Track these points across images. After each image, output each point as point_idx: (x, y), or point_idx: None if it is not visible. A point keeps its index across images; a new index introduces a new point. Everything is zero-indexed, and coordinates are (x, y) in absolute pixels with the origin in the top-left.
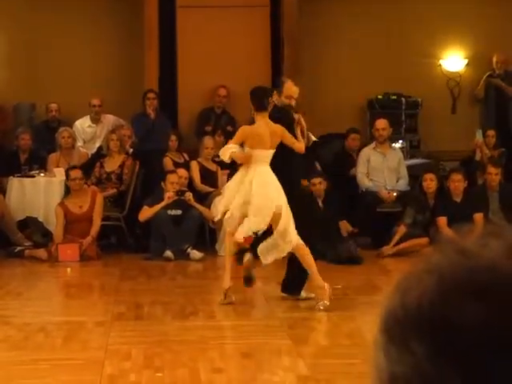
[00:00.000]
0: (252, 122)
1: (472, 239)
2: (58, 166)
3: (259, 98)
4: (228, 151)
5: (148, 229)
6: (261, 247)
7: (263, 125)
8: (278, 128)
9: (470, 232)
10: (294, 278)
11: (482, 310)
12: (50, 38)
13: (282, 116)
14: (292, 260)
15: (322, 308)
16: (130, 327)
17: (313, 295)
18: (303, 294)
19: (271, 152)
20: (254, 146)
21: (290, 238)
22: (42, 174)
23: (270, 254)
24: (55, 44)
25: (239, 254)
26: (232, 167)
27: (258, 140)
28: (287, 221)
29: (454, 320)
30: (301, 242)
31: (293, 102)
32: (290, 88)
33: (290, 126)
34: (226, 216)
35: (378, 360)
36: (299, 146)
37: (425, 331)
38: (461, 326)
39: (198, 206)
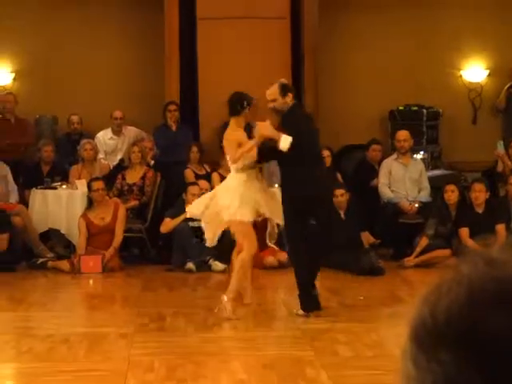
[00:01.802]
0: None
1: (499, 249)
2: (79, 178)
3: (230, 104)
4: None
5: (170, 240)
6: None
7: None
8: (227, 135)
9: (493, 243)
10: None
11: (511, 320)
12: (71, 51)
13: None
14: None
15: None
16: (152, 338)
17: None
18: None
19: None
20: None
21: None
22: (64, 186)
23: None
24: (76, 57)
25: None
26: None
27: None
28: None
29: (483, 330)
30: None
31: (270, 105)
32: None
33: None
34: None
35: (406, 369)
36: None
37: (454, 341)
38: (489, 336)
39: None
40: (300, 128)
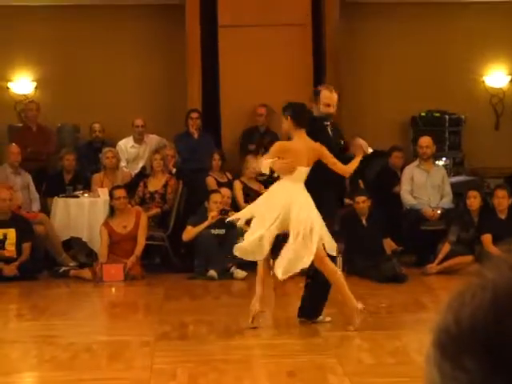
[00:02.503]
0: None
1: None
2: (101, 186)
3: (300, 114)
4: (266, 163)
5: (192, 248)
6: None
7: (300, 141)
8: (317, 145)
9: None
10: (311, 301)
11: None
12: (93, 60)
13: (314, 128)
14: (309, 284)
15: (352, 330)
16: (174, 347)
17: (328, 319)
18: (320, 317)
19: (307, 169)
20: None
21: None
22: (86, 195)
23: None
24: (98, 65)
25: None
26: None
27: (294, 156)
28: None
29: (509, 336)
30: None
31: (331, 110)
32: (326, 95)
33: (322, 137)
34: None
35: (431, 376)
36: (341, 167)
37: (479, 348)
38: None
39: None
40: None
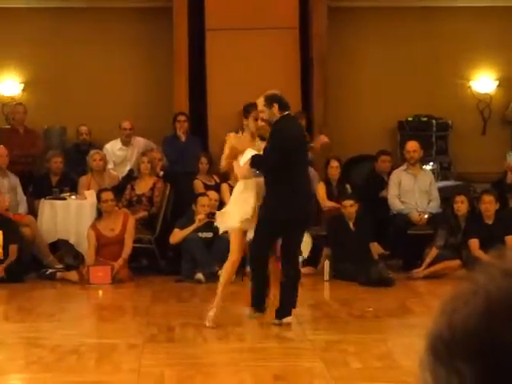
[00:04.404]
0: None
1: None
2: (88, 189)
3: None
4: None
5: (179, 251)
6: None
7: None
8: None
9: (505, 254)
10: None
11: None
12: (80, 62)
13: None
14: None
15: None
16: (162, 349)
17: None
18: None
19: None
20: None
21: None
22: (73, 197)
23: None
24: (85, 67)
25: None
26: None
27: None
28: None
29: (502, 341)
30: None
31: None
32: None
33: None
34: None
35: (425, 381)
36: None
37: (472, 353)
38: (507, 348)
39: None
40: None
